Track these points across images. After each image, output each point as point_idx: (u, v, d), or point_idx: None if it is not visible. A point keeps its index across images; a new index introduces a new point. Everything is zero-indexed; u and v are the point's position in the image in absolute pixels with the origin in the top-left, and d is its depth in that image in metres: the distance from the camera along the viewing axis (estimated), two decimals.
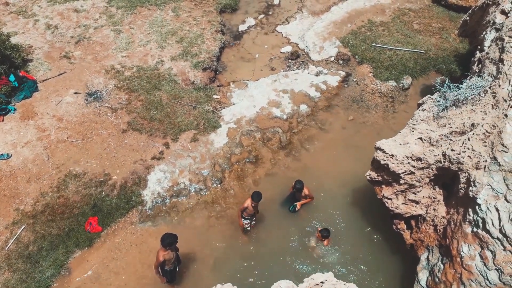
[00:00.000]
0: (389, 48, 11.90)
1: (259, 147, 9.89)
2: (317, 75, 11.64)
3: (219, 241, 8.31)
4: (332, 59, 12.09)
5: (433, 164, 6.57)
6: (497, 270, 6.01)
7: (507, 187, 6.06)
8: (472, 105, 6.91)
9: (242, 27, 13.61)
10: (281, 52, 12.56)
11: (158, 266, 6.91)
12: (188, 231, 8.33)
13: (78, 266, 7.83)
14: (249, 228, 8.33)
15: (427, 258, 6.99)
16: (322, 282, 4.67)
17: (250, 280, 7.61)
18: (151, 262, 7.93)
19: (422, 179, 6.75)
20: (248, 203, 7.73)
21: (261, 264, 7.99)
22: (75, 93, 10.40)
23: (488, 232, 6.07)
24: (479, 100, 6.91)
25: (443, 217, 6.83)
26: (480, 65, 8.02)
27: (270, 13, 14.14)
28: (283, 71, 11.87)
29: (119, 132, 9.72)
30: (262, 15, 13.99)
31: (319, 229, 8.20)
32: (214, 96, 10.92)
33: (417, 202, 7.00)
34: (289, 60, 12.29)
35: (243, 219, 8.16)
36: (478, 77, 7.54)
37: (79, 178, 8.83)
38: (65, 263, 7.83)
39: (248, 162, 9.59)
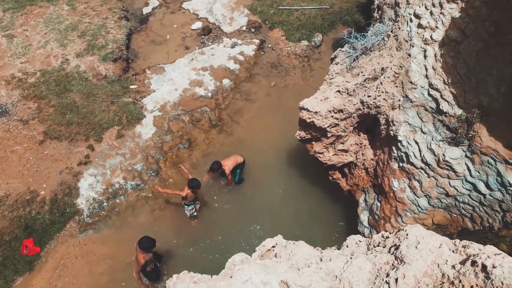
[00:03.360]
0: (296, 8, 12.08)
1: (190, 130, 9.74)
2: (232, 47, 11.56)
3: (168, 231, 8.20)
4: (244, 28, 12.04)
5: (354, 113, 6.93)
6: (425, 196, 6.61)
7: (421, 120, 6.59)
8: (379, 51, 7.31)
9: (146, 10, 13.00)
10: (192, 29, 12.24)
11: (141, 270, 6.90)
12: (134, 229, 8.11)
13: None
14: (195, 214, 8.28)
15: (365, 200, 7.49)
16: (273, 246, 4.79)
17: (206, 261, 7.64)
18: (102, 270, 7.70)
19: (347, 128, 7.11)
20: (186, 191, 7.73)
21: (214, 244, 8.05)
22: None
23: (412, 164, 6.61)
24: (384, 44, 7.32)
25: (372, 159, 7.31)
26: (380, 12, 8.44)
27: None
28: (199, 49, 11.62)
29: (36, 144, 9.02)
30: None
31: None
32: (131, 87, 10.45)
33: (346, 151, 7.39)
34: (202, 36, 12.04)
35: (186, 206, 8.11)
36: (379, 23, 7.95)
37: (2, 201, 8.15)
38: None
39: (181, 147, 9.43)
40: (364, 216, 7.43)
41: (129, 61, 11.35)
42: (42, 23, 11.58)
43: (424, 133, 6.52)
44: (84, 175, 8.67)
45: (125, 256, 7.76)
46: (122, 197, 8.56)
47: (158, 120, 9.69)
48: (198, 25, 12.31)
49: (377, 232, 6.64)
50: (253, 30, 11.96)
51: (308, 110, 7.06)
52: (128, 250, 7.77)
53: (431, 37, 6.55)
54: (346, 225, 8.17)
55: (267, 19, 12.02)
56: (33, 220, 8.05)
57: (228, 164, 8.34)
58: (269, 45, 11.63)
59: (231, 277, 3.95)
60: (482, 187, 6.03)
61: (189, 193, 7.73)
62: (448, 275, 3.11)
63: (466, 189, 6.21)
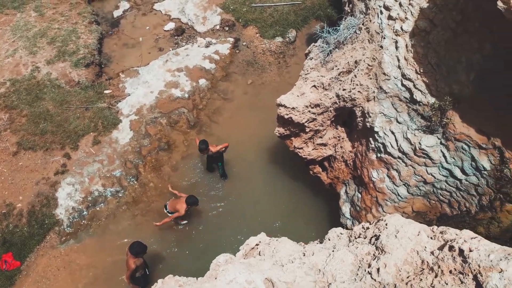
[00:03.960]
0: (268, 5, 12.08)
1: (168, 132, 9.63)
2: (207, 46, 11.48)
3: (151, 236, 8.10)
4: (218, 27, 11.97)
5: (330, 107, 6.98)
6: (404, 185, 6.72)
7: (396, 110, 6.69)
8: (352, 44, 7.39)
9: (117, 13, 12.77)
10: (165, 30, 12.10)
11: (130, 275, 6.80)
12: (116, 236, 8.01)
13: None
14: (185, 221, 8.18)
15: (346, 192, 7.57)
16: (257, 245, 4.79)
17: (191, 264, 7.59)
18: (85, 280, 7.58)
19: (324, 122, 7.17)
20: (184, 208, 7.60)
21: (198, 246, 8.00)
22: None
23: (389, 154, 6.71)
24: (357, 37, 7.40)
25: (350, 151, 7.39)
26: (351, 5, 8.53)
27: None
28: (173, 50, 11.49)
29: (10, 156, 8.77)
30: None
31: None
32: (106, 91, 10.25)
33: (325, 145, 7.46)
34: (176, 37, 11.91)
35: (170, 214, 7.97)
36: (351, 16, 8.03)
37: None
38: None
39: (160, 150, 9.32)
40: (346, 208, 7.51)
41: (102, 65, 11.14)
42: (10, 31, 11.23)
43: (399, 123, 6.63)
44: (61, 185, 8.48)
45: (109, 264, 7.65)
46: (102, 204, 8.42)
47: (135, 124, 9.55)
48: (171, 26, 12.18)
49: (360, 223, 6.72)
50: (227, 28, 11.90)
51: (285, 107, 7.08)
52: (111, 257, 7.68)
53: (401, 28, 6.66)
54: (329, 218, 8.24)
55: (240, 17, 11.98)
56: (11, 234, 7.84)
57: (213, 145, 8.35)
58: (244, 43, 11.60)
59: (215, 278, 3.94)
60: (458, 172, 6.17)
61: (186, 209, 7.66)
62: (427, 262, 3.17)
63: (442, 175, 6.34)
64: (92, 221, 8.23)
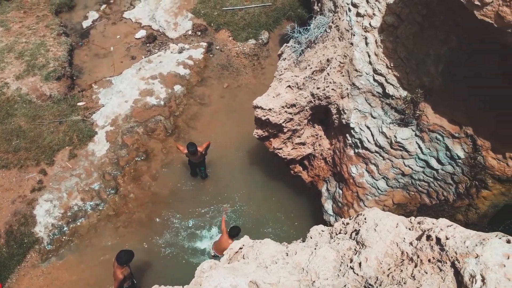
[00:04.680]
0: (239, 8, 12.09)
1: (145, 141, 9.52)
2: (180, 52, 11.40)
3: (135, 247, 7.94)
4: (190, 32, 11.90)
5: (306, 106, 7.04)
6: (383, 178, 6.83)
7: (370, 105, 6.80)
8: (323, 42, 7.47)
9: (86, 23, 12.55)
10: (136, 39, 11.95)
11: (118, 286, 6.70)
12: (100, 250, 7.87)
13: None
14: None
15: (327, 189, 7.63)
16: (240, 248, 4.78)
17: (177, 273, 7.51)
18: None
19: (301, 122, 7.22)
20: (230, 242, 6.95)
21: (182, 254, 7.93)
22: None
23: (367, 149, 6.81)
24: (327, 36, 7.48)
25: (329, 148, 7.46)
26: (320, 4, 8.62)
27: (111, 1, 13.21)
28: (145, 57, 11.37)
29: None
30: (104, 5, 13.01)
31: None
32: (79, 104, 10.06)
33: (303, 144, 7.51)
34: (148, 44, 11.78)
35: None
36: (320, 15, 8.12)
37: None
38: None
39: (139, 160, 9.20)
40: (328, 205, 7.58)
41: (74, 77, 10.92)
42: None
43: (374, 117, 6.73)
44: (39, 202, 8.29)
45: (93, 279, 7.52)
46: (82, 219, 8.26)
47: (111, 135, 9.40)
48: (142, 33, 12.04)
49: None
50: (199, 33, 11.86)
51: (262, 108, 7.09)
52: (95, 272, 7.55)
53: (370, 24, 6.77)
54: (313, 217, 8.29)
55: (212, 21, 11.95)
56: None
57: (199, 145, 8.24)
58: (217, 47, 11.57)
59: (200, 285, 3.91)
60: (434, 162, 6.31)
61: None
62: (407, 252, 3.22)
63: (420, 166, 6.47)
64: (74, 236, 8.06)
